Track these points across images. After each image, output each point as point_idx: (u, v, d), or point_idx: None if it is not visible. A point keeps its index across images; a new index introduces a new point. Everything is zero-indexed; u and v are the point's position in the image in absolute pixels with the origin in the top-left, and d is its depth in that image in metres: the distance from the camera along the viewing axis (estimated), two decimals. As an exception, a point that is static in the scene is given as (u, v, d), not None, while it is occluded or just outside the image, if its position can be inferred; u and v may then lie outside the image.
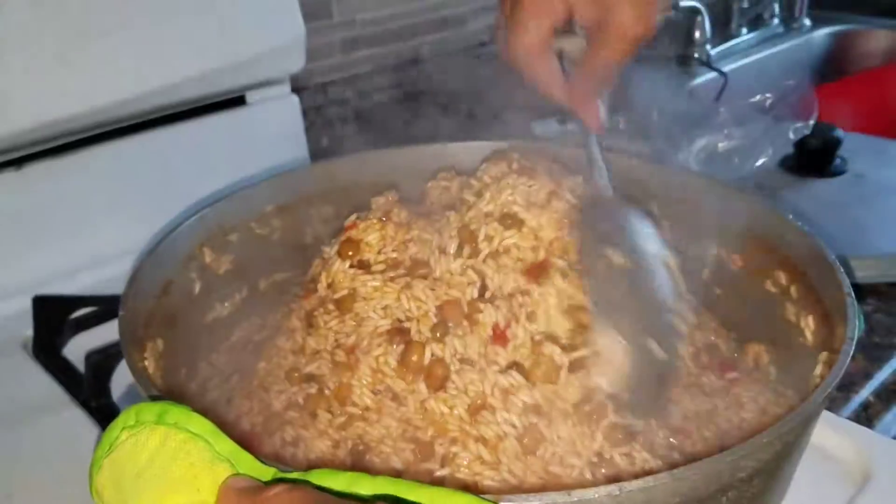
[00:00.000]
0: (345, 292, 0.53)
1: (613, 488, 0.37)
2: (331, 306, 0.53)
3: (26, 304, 0.79)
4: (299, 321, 0.54)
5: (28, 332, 0.77)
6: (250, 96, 1.02)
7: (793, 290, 0.56)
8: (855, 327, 0.46)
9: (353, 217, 0.59)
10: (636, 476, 0.37)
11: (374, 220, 0.57)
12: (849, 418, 0.72)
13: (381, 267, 0.55)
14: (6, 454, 0.62)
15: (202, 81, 0.92)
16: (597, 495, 0.37)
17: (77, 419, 0.66)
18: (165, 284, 0.58)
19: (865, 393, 0.76)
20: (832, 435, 0.64)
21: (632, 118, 0.96)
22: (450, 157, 0.72)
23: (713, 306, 0.62)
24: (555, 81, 0.57)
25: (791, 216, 0.57)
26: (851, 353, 0.44)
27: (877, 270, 0.87)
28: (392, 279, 0.53)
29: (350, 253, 0.55)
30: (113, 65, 0.83)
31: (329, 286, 0.55)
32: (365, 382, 0.49)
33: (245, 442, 0.48)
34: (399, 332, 0.50)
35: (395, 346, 0.50)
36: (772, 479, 0.43)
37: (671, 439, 0.49)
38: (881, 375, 0.78)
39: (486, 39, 1.44)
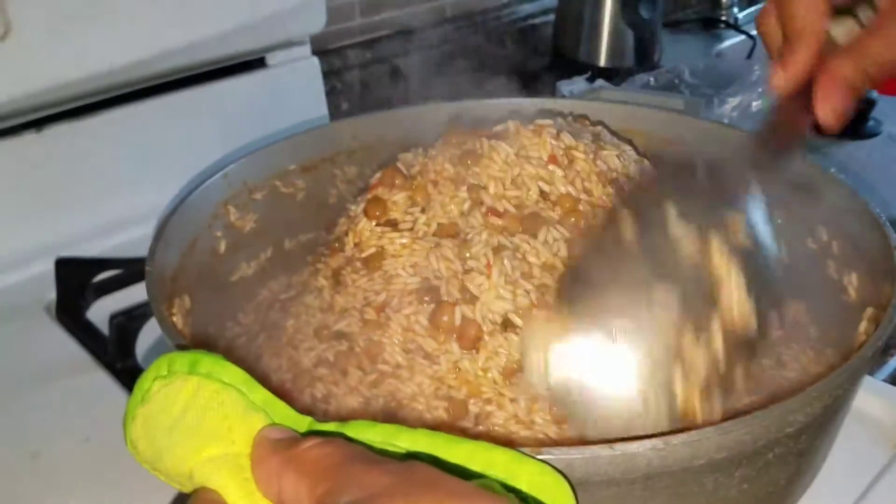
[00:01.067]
0: (373, 250, 0.52)
1: (658, 442, 0.36)
2: (358, 264, 0.52)
3: (49, 267, 0.78)
4: (326, 280, 0.53)
5: (51, 295, 0.77)
6: (271, 58, 1.01)
7: (834, 246, 0.54)
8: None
9: (378, 175, 0.58)
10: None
11: (400, 179, 0.56)
12: (885, 381, 0.71)
13: (408, 225, 0.53)
14: (33, 415, 0.62)
15: (222, 41, 0.91)
16: (641, 449, 0.35)
17: (102, 381, 0.66)
18: (191, 242, 0.57)
19: (902, 357, 0.74)
20: (869, 397, 0.62)
21: (662, 76, 0.93)
22: (472, 113, 0.71)
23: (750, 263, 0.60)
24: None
25: (833, 170, 0.56)
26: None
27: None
28: (421, 237, 0.52)
29: (377, 212, 0.54)
30: (132, 24, 0.81)
31: (356, 245, 0.54)
32: (396, 341, 0.48)
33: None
34: (429, 291, 0.49)
35: (424, 306, 0.49)
36: (818, 436, 0.42)
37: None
38: (919, 337, 0.76)
39: (507, 1, 1.41)
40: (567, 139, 0.54)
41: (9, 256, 0.79)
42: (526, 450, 0.35)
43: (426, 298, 0.49)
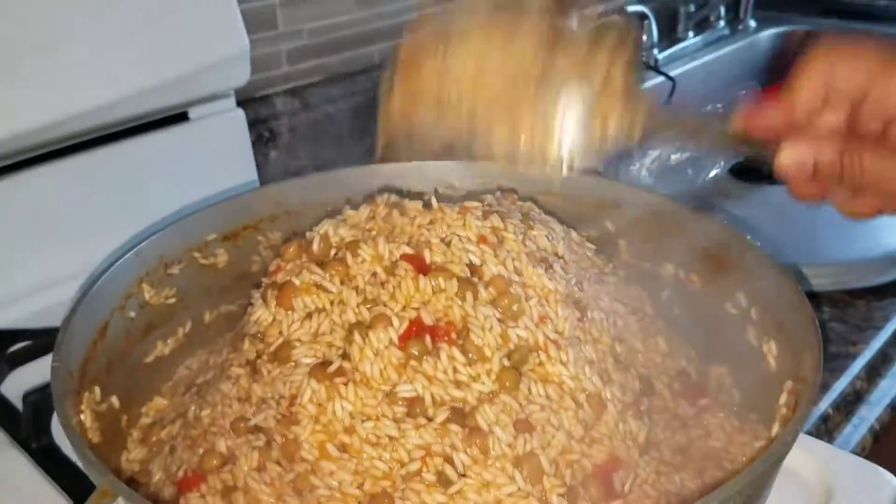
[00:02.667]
0: (280, 341, 0.50)
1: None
2: (270, 354, 0.51)
3: (-41, 341, 0.74)
4: (242, 368, 0.52)
5: (-39, 369, 0.73)
6: (193, 112, 0.98)
7: (753, 312, 0.55)
8: (821, 365, 0.45)
9: (276, 261, 0.57)
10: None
11: (299, 265, 0.54)
12: (808, 432, 0.72)
13: (317, 306, 0.52)
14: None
15: (143, 98, 0.88)
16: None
17: (16, 461, 0.63)
18: (102, 327, 0.54)
19: (824, 405, 0.75)
20: (794, 453, 0.63)
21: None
22: (402, 177, 0.70)
23: (674, 328, 0.61)
24: None
25: (750, 238, 0.57)
26: (818, 384, 0.43)
27: (831, 278, 0.88)
28: (334, 314, 0.51)
29: (280, 298, 0.52)
30: (51, 83, 0.79)
31: (261, 336, 0.53)
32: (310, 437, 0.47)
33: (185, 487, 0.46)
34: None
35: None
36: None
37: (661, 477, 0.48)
38: (839, 386, 0.78)
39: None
40: (495, 220, 0.54)
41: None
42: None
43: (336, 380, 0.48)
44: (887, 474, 0.61)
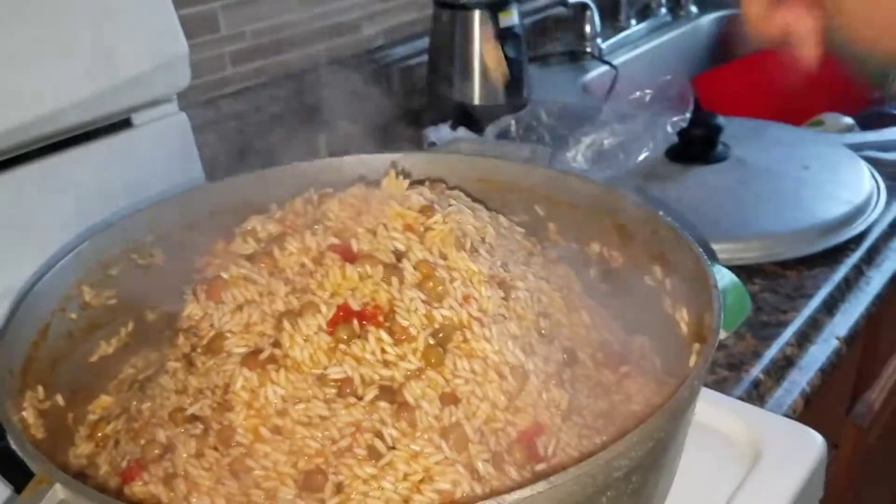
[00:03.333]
0: (212, 333, 0.52)
1: (491, 502, 0.37)
2: (204, 346, 0.53)
3: None
4: (178, 362, 0.54)
5: None
6: (136, 118, 0.99)
7: (667, 283, 0.58)
8: (719, 321, 0.48)
9: (205, 258, 0.58)
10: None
11: (227, 260, 0.56)
12: (740, 398, 0.75)
13: (245, 297, 0.54)
14: None
15: (83, 107, 0.89)
16: (475, 511, 0.37)
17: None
18: (42, 329, 0.56)
19: (755, 371, 0.79)
20: (723, 416, 0.66)
21: (522, 119, 0.97)
22: (339, 171, 0.72)
23: (600, 303, 0.64)
24: None
25: (661, 212, 0.60)
26: (715, 345, 0.46)
27: (761, 251, 0.91)
28: (262, 304, 0.53)
29: (209, 291, 0.54)
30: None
31: (194, 329, 0.54)
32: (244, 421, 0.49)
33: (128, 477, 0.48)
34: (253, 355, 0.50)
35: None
36: (650, 472, 0.45)
37: (583, 440, 0.51)
38: (770, 353, 0.81)
39: (381, 44, 1.44)
40: (421, 207, 0.56)
41: None
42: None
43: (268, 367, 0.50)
44: (814, 433, 0.65)
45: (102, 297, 0.62)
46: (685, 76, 0.96)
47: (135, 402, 0.54)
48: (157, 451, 0.49)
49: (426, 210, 0.56)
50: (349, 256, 0.53)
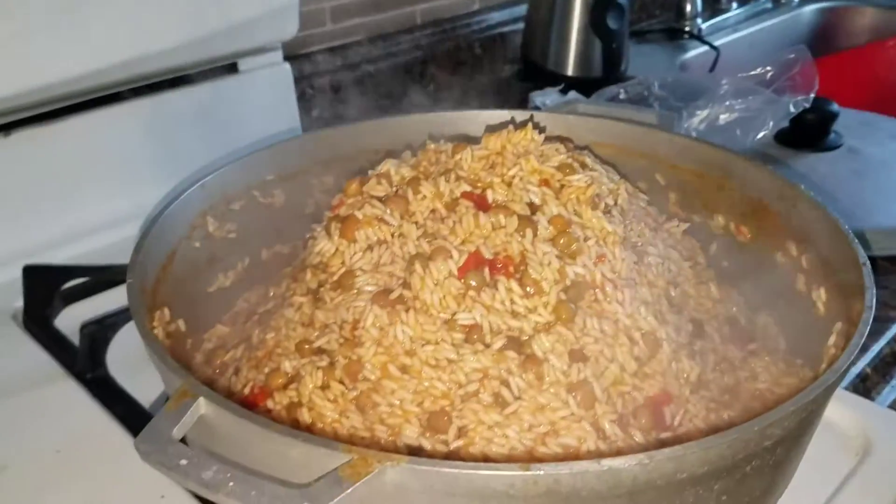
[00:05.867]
0: (342, 270, 0.52)
1: (643, 457, 0.36)
2: (333, 283, 0.52)
3: (16, 275, 0.77)
4: (304, 297, 0.54)
5: (18, 303, 0.75)
6: (243, 64, 1.00)
7: (804, 260, 0.56)
8: (873, 296, 0.46)
9: (338, 196, 0.58)
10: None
11: (360, 200, 0.56)
12: (846, 389, 0.73)
13: (379, 237, 0.54)
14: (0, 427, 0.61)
15: (194, 47, 0.90)
16: (627, 464, 0.36)
17: (71, 391, 0.65)
18: (170, 254, 0.56)
19: (862, 365, 0.76)
20: (834, 406, 0.64)
21: (632, 88, 0.95)
22: (448, 126, 0.71)
23: (723, 277, 0.62)
24: None
25: (803, 186, 0.57)
26: (871, 321, 0.44)
27: (872, 245, 0.88)
28: (395, 247, 0.53)
29: (342, 230, 0.54)
30: (104, 30, 0.80)
31: (324, 265, 0.54)
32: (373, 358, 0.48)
33: (252, 402, 0.48)
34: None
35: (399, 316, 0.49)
36: (792, 448, 0.43)
37: (711, 414, 0.50)
38: (877, 348, 0.78)
39: (478, 8, 1.42)
40: (559, 162, 0.55)
41: (-26, 264, 0.77)
42: (515, 465, 0.36)
43: (398, 307, 0.49)
44: (926, 430, 0.62)
45: (224, 230, 0.62)
46: (809, 55, 0.92)
47: (257, 332, 0.54)
48: (281, 381, 0.50)
49: (565, 167, 0.54)
50: (482, 205, 0.53)
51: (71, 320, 0.74)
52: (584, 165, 0.57)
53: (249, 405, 0.49)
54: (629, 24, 1.30)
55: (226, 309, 0.62)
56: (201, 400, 0.40)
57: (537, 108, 1.06)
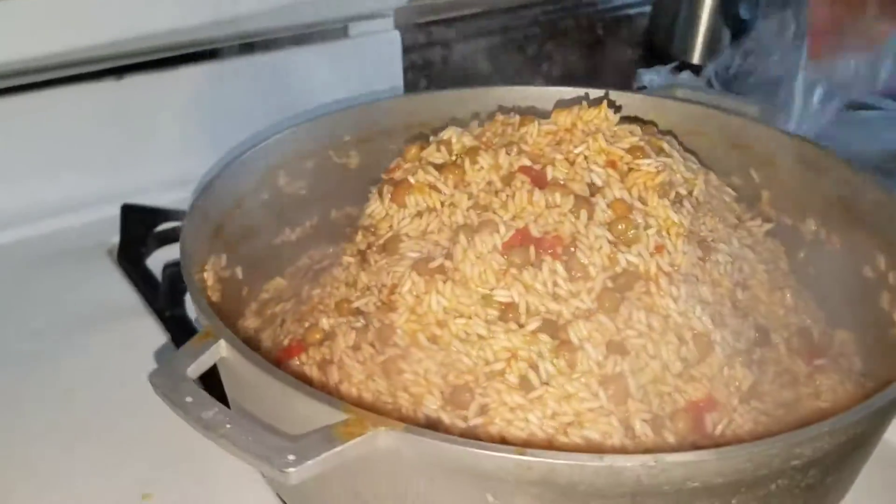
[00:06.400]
0: (389, 234, 0.52)
1: (649, 458, 0.34)
2: (379, 246, 0.52)
3: (115, 213, 0.81)
4: (352, 257, 0.54)
5: (114, 239, 0.80)
6: (353, 28, 1.01)
7: (891, 277, 0.51)
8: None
9: (397, 160, 0.57)
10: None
11: (416, 166, 0.55)
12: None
13: (429, 204, 0.53)
14: (76, 353, 0.65)
15: (305, 8, 0.92)
16: (630, 463, 0.34)
17: (149, 327, 0.68)
18: (238, 200, 0.58)
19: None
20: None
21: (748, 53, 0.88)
22: (533, 100, 0.69)
23: (805, 287, 0.57)
24: None
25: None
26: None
27: None
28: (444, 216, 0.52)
29: (393, 194, 0.53)
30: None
31: (373, 228, 0.54)
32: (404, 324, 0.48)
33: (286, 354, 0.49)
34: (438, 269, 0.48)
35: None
36: (831, 472, 0.39)
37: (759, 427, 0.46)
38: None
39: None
40: (631, 145, 0.52)
41: (79, 198, 0.82)
42: (511, 447, 0.35)
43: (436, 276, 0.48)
44: None
45: (295, 186, 0.63)
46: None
47: (306, 287, 0.55)
48: (317, 336, 0.50)
49: (636, 150, 0.51)
50: (540, 182, 0.51)
51: (161, 262, 0.77)
52: (660, 150, 0.54)
53: (284, 357, 0.50)
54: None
55: (288, 263, 0.63)
56: (222, 342, 0.41)
57: (643, 88, 1.02)
